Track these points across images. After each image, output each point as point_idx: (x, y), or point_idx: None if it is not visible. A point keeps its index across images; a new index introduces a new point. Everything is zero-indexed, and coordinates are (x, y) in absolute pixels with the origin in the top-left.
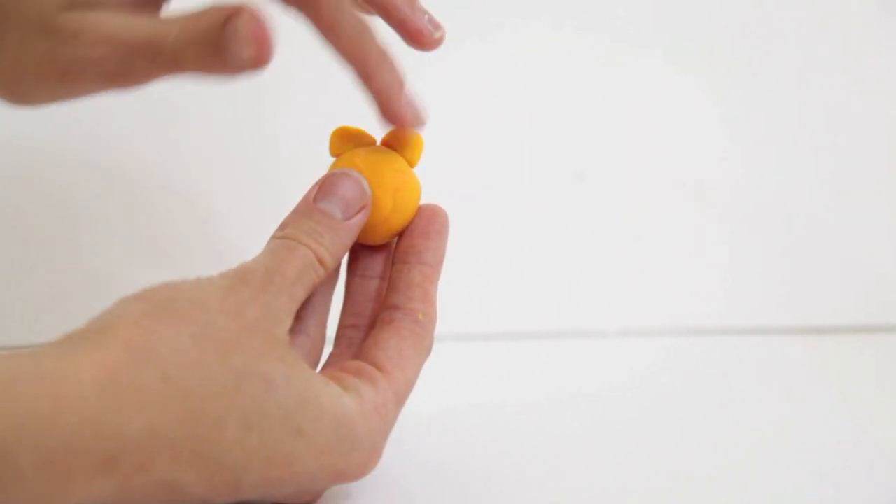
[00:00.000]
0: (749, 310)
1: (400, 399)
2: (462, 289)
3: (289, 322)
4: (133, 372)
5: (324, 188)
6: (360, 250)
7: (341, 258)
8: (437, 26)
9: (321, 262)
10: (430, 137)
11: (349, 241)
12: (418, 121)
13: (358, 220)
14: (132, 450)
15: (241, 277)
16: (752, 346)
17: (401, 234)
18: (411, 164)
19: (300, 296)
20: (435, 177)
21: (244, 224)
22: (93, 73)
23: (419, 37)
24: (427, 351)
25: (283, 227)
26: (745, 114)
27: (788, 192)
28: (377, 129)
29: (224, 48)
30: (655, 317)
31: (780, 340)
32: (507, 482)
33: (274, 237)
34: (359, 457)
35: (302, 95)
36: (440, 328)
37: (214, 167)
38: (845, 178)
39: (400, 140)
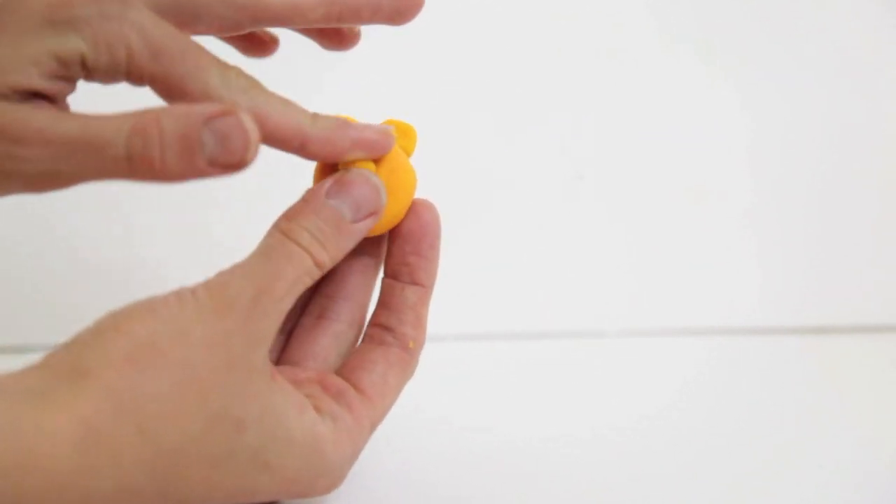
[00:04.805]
0: (749, 310)
1: (374, 425)
2: (462, 289)
3: (270, 339)
4: (110, 426)
5: (339, 184)
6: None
7: (340, 260)
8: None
9: (319, 266)
10: (429, 137)
11: (352, 245)
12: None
13: (366, 225)
14: (97, 503)
15: (227, 302)
16: (752, 346)
17: (395, 234)
18: (406, 154)
19: (288, 307)
20: (435, 176)
21: (236, 220)
22: (19, 174)
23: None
24: (410, 376)
25: (288, 217)
26: (744, 115)
27: (788, 192)
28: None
29: (202, 151)
30: (655, 317)
31: (781, 340)
32: (507, 482)
33: (277, 228)
34: (324, 482)
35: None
36: (440, 328)
37: None
38: (845, 179)
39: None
